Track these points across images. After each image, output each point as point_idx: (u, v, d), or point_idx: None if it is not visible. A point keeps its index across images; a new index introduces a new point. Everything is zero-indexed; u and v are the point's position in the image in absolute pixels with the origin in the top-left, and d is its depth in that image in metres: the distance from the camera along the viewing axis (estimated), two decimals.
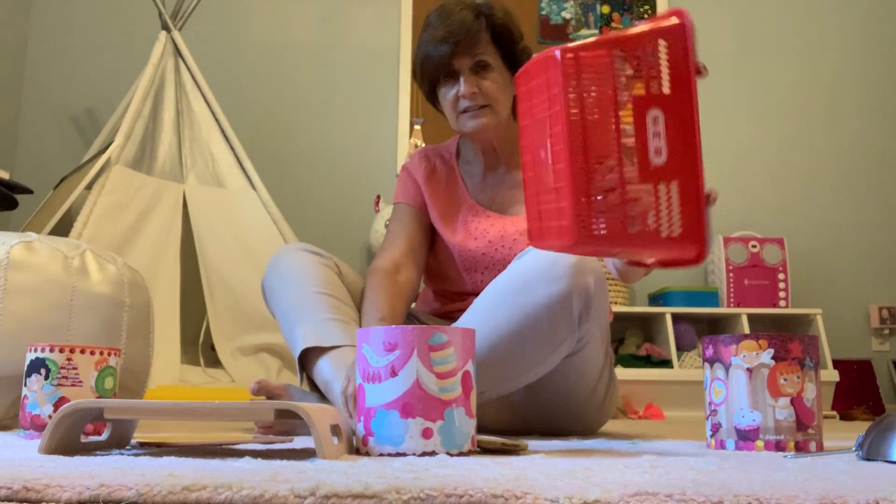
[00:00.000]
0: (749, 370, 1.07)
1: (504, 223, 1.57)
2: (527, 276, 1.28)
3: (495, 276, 1.37)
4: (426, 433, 0.88)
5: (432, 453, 0.88)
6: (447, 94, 1.54)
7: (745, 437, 1.06)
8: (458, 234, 1.59)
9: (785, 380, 1.06)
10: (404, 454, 0.87)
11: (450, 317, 1.61)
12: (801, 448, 1.05)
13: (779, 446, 1.05)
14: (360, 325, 1.39)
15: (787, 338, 1.07)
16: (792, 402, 1.06)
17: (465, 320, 1.32)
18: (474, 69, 1.51)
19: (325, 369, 1.29)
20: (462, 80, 1.51)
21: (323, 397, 1.34)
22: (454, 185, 1.65)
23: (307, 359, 1.33)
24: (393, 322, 1.38)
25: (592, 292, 1.26)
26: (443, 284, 1.66)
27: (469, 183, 1.65)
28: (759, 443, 1.06)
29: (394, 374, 0.89)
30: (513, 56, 1.56)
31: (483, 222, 1.59)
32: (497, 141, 1.59)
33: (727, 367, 1.09)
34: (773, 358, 1.06)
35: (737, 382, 1.07)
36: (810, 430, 1.07)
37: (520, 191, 1.60)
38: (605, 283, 1.31)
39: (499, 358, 1.28)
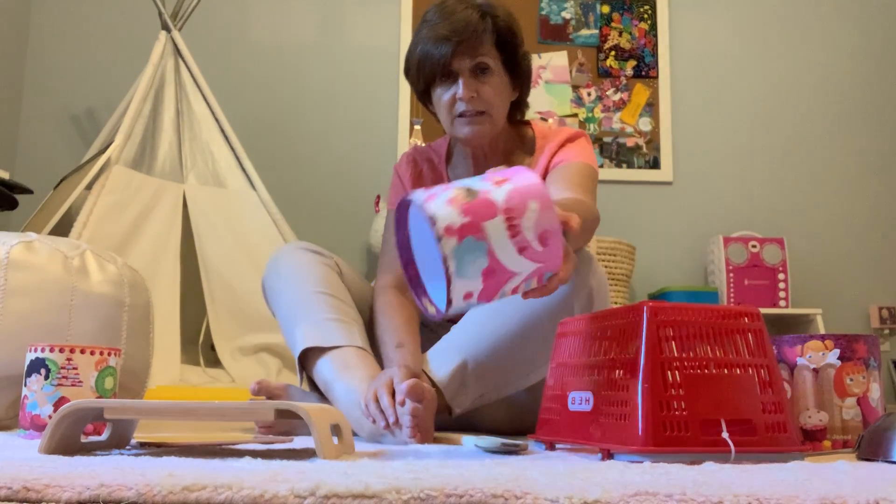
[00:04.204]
0: (815, 370, 1.06)
1: None
2: None
3: None
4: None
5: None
6: (443, 96, 1.47)
7: (812, 437, 1.06)
8: None
9: (851, 380, 1.06)
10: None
11: (452, 319, 1.60)
12: None
13: (846, 445, 1.05)
14: (376, 351, 1.38)
15: (851, 338, 1.07)
16: (858, 401, 1.06)
17: (466, 322, 1.32)
18: (474, 72, 1.45)
19: (325, 369, 1.29)
20: (461, 82, 1.43)
21: (323, 397, 1.34)
22: None
23: (307, 359, 1.33)
24: (412, 347, 1.34)
25: (594, 293, 1.26)
26: None
27: None
28: (827, 442, 1.06)
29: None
30: (514, 61, 1.50)
31: None
32: (489, 147, 1.54)
33: (792, 368, 1.08)
34: (839, 358, 1.06)
35: (802, 383, 1.07)
36: None
37: None
38: (607, 285, 1.30)
39: (500, 359, 1.28)
